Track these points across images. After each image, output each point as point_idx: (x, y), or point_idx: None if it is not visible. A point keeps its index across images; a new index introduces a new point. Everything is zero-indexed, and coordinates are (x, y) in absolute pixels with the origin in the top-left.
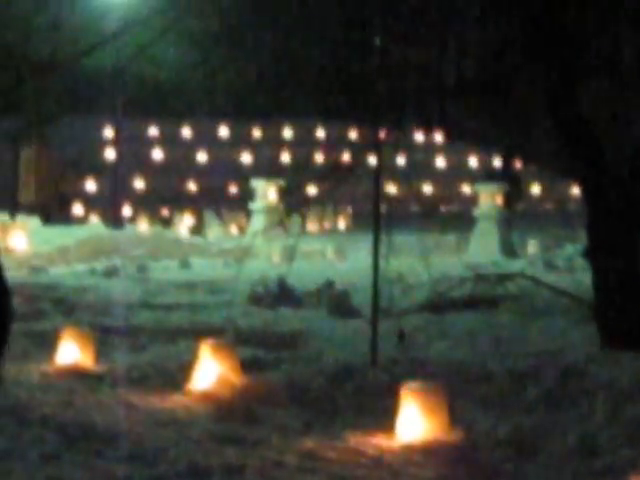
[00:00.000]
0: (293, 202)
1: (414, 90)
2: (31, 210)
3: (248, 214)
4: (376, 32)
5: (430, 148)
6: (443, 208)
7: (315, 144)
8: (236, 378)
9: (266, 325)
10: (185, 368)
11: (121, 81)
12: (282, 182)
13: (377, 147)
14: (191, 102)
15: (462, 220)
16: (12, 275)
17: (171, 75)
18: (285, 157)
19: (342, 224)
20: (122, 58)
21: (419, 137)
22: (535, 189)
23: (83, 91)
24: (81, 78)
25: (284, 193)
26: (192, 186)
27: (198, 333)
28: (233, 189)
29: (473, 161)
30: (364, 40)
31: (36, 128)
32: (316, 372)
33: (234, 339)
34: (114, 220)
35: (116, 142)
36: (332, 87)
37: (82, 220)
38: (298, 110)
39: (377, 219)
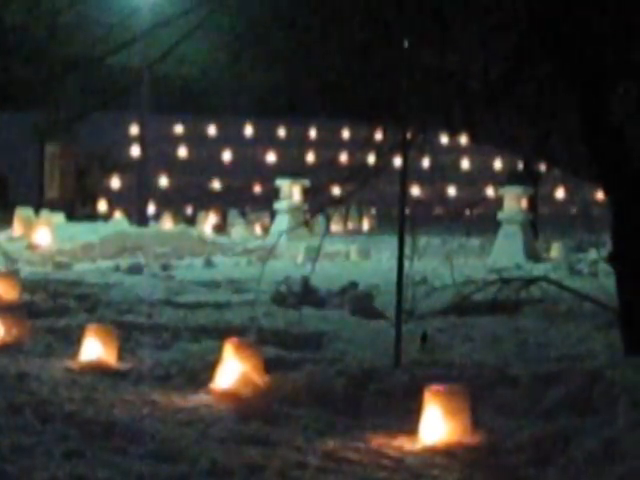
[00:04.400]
0: (317, 202)
1: (440, 92)
2: (55, 206)
3: (272, 214)
4: (403, 34)
5: (455, 150)
6: (468, 211)
7: (340, 145)
8: (259, 378)
9: (289, 325)
10: (208, 367)
11: (148, 79)
12: (307, 182)
13: (402, 149)
14: (217, 100)
15: (486, 223)
16: (36, 271)
17: (198, 73)
18: (310, 157)
19: (366, 225)
20: (149, 56)
21: (444, 139)
22: (559, 193)
23: (110, 88)
24: (108, 75)
25: (308, 193)
26: (216, 185)
27: (221, 332)
28: (257, 188)
29: (498, 164)
30: (391, 42)
31: (62, 124)
32: (339, 373)
33: (257, 339)
34: (138, 217)
35: (142, 139)
36: (358, 88)
37: (106, 217)
38: (323, 110)
39: (402, 221)
